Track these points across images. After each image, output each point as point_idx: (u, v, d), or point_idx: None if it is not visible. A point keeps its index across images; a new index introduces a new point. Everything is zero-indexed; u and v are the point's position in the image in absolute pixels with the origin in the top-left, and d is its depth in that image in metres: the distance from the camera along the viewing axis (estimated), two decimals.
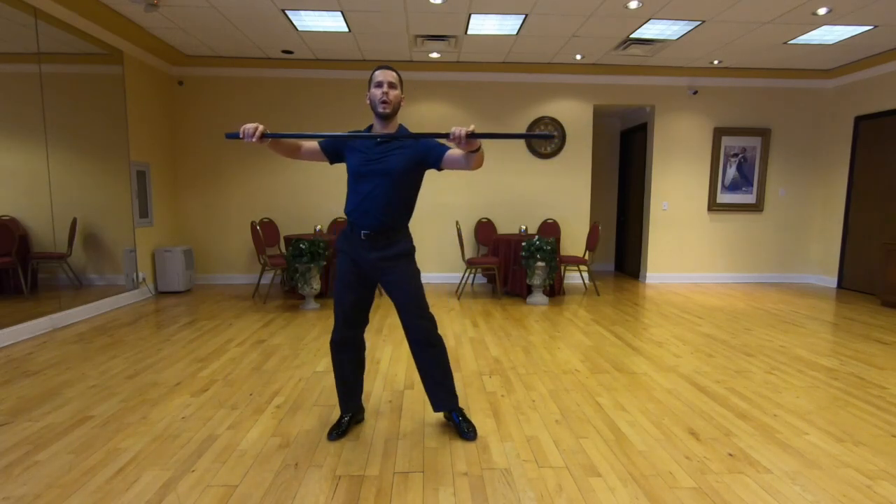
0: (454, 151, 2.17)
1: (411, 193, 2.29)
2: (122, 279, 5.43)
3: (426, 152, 2.22)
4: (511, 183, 6.74)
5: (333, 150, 2.30)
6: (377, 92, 2.17)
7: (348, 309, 2.32)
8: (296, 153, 2.28)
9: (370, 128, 2.29)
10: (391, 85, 2.17)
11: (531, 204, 6.80)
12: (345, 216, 2.48)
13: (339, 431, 2.39)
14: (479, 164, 2.11)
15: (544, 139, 1.98)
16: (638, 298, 5.90)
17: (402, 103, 2.25)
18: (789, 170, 6.93)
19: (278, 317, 4.81)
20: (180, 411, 2.66)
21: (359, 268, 2.29)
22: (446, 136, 1.95)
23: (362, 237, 2.24)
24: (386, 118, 2.20)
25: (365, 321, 2.40)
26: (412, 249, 2.33)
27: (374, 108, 2.20)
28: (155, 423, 2.52)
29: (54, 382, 3.06)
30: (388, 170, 2.18)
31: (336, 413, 2.63)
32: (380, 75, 2.18)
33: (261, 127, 2.00)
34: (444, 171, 6.56)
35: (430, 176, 6.64)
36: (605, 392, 2.98)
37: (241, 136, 2.00)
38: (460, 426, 2.41)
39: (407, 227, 2.34)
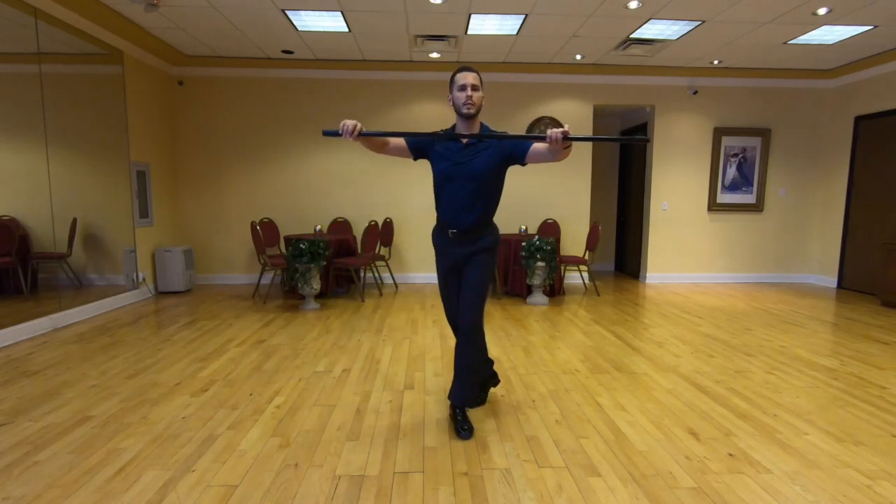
0: (539, 145, 2.21)
1: (498, 190, 2.38)
2: (122, 279, 5.43)
3: (511, 149, 2.28)
4: (511, 183, 6.66)
5: (419, 148, 2.37)
6: (461, 95, 2.22)
7: (455, 300, 2.46)
8: (383, 148, 2.34)
9: (453, 128, 2.33)
10: (474, 87, 2.22)
11: (531, 204, 6.80)
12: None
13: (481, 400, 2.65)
14: (565, 157, 2.16)
15: (640, 143, 2.06)
16: (638, 298, 5.90)
17: (483, 102, 2.29)
18: (789, 170, 6.93)
19: (278, 317, 4.81)
20: (180, 411, 2.66)
21: (451, 262, 2.42)
22: (542, 138, 1.96)
23: (450, 236, 2.34)
24: (470, 119, 2.25)
25: None
26: (497, 241, 2.45)
27: (458, 110, 2.25)
28: (155, 423, 2.52)
29: (54, 382, 3.06)
30: (475, 173, 2.25)
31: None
32: (461, 78, 2.23)
33: (359, 125, 2.06)
34: None
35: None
36: (605, 392, 2.98)
37: (340, 133, 2.07)
38: (458, 423, 2.43)
39: (493, 221, 2.44)
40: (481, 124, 2.32)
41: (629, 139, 1.98)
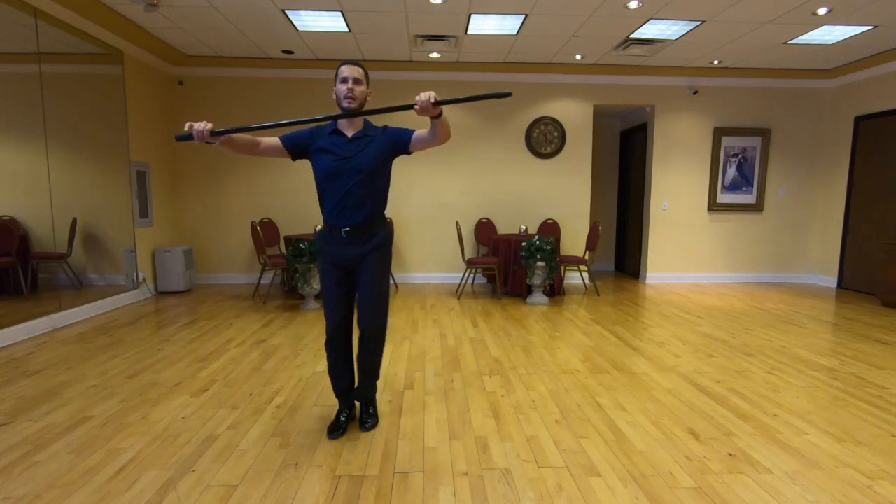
0: (420, 132, 2.22)
1: (386, 183, 2.32)
2: (122, 279, 5.43)
3: (395, 140, 2.26)
4: (511, 183, 6.74)
5: (296, 146, 2.25)
6: (343, 88, 2.17)
7: (338, 304, 2.34)
8: (254, 149, 2.20)
9: (335, 122, 2.25)
10: (356, 81, 2.17)
11: (531, 204, 6.80)
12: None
13: (341, 430, 2.43)
14: (446, 136, 2.13)
15: (502, 97, 2.02)
16: (638, 298, 5.90)
17: (368, 98, 2.25)
18: (789, 170, 6.93)
19: (278, 317, 4.81)
20: (180, 411, 2.66)
21: (341, 267, 2.31)
22: (411, 106, 1.95)
23: (343, 235, 2.24)
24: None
25: (353, 312, 2.44)
26: (390, 239, 2.39)
27: (339, 103, 2.20)
28: (155, 423, 2.52)
29: (54, 382, 3.06)
30: (362, 167, 2.20)
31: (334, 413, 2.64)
32: (345, 70, 2.17)
33: (209, 125, 1.95)
34: (446, 171, 6.62)
35: (431, 175, 6.65)
36: (605, 392, 2.98)
37: (193, 137, 1.94)
38: (363, 415, 2.51)
39: (384, 216, 2.37)
40: (366, 122, 2.27)
41: (490, 95, 1.92)
